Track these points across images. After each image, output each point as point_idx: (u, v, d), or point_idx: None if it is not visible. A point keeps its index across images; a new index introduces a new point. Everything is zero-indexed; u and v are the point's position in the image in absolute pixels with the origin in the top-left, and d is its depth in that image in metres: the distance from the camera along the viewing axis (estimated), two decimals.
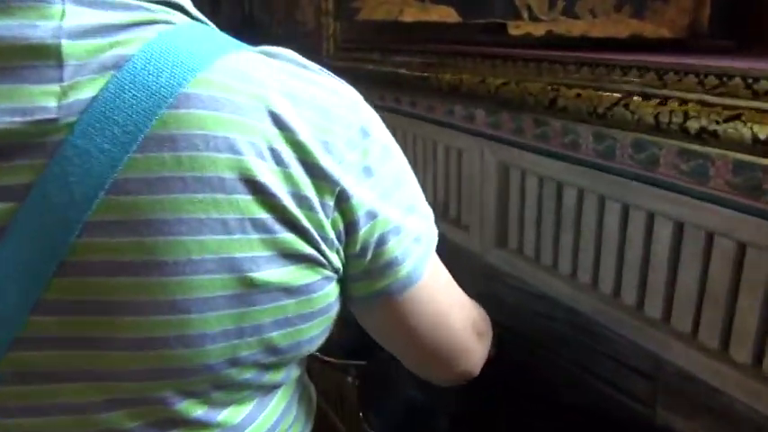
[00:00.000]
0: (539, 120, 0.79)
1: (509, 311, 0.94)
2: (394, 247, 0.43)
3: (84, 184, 0.33)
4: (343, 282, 0.44)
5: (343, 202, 0.39)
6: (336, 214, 0.39)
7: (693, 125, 0.56)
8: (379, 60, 1.15)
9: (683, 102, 0.58)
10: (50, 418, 0.37)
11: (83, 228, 0.33)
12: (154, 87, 0.34)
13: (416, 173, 0.54)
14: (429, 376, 0.56)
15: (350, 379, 1.04)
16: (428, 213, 0.49)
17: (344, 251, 0.41)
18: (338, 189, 0.38)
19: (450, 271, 0.54)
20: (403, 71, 1.05)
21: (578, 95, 0.69)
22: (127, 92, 0.33)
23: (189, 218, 0.34)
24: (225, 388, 0.40)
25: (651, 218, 0.67)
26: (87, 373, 0.36)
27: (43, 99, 0.32)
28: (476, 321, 0.56)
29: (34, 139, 0.32)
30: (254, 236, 0.36)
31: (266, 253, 0.36)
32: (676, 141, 0.60)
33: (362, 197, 0.40)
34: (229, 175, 0.35)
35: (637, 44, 0.74)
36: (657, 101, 0.60)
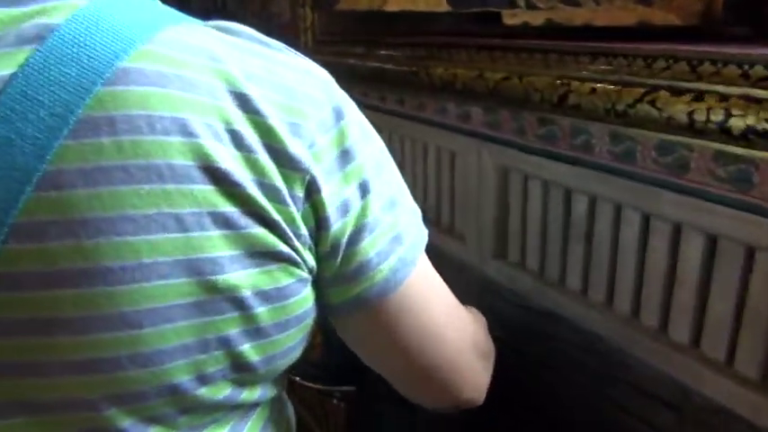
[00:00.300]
0: (544, 118, 0.70)
1: (510, 330, 0.85)
2: (368, 248, 0.38)
3: (8, 180, 0.28)
4: (317, 286, 0.39)
5: (314, 193, 0.34)
6: (307, 206, 0.35)
7: (738, 124, 0.48)
8: (362, 54, 1.05)
9: (724, 97, 0.49)
10: None
11: (8, 232, 0.28)
12: (86, 61, 0.29)
13: (405, 177, 0.47)
14: (425, 401, 0.49)
15: (335, 401, 0.96)
16: (413, 209, 0.43)
17: (316, 250, 0.37)
18: (308, 177, 0.34)
19: (448, 284, 0.48)
20: (389, 66, 0.95)
21: (593, 91, 0.61)
22: (53, 67, 0.29)
23: (135, 214, 0.29)
24: (193, 411, 0.35)
25: (678, 229, 0.59)
26: (25, 406, 0.31)
27: None
28: (478, 341, 0.50)
29: None
30: (216, 232, 0.31)
31: (231, 252, 0.32)
32: (713, 143, 0.51)
33: (335, 188, 0.35)
34: (182, 161, 0.30)
35: (645, 33, 0.66)
36: (691, 96, 0.52)
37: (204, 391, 0.34)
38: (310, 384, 0.92)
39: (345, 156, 0.36)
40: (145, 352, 0.31)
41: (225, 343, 0.34)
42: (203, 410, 0.36)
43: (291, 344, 0.38)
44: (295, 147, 0.33)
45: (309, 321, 0.39)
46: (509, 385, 0.84)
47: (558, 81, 0.65)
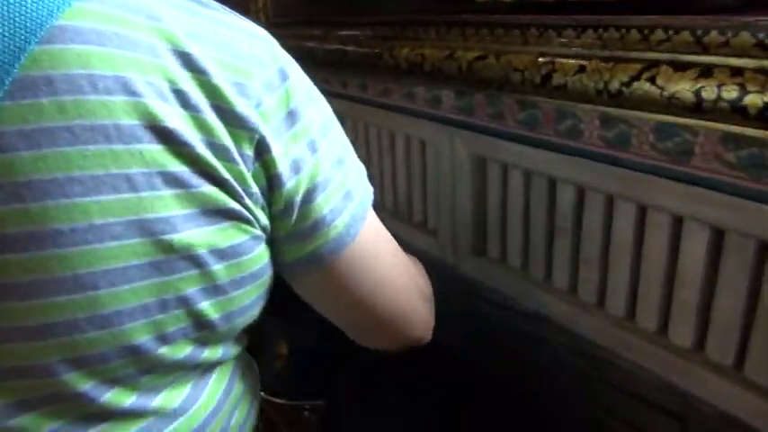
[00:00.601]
0: (525, 101, 0.63)
1: (491, 332, 0.79)
2: (322, 205, 0.38)
3: None
4: (272, 245, 0.39)
5: (263, 152, 0.34)
6: (257, 166, 0.35)
7: (755, 102, 0.41)
8: (320, 36, 0.96)
9: (737, 71, 0.43)
10: None
11: None
12: (18, 19, 0.28)
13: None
14: (379, 345, 0.51)
15: (306, 413, 0.89)
16: (359, 166, 0.43)
17: (270, 209, 0.37)
18: (257, 137, 0.34)
19: None
20: (350, 48, 0.87)
21: (581, 69, 0.54)
22: None
23: (82, 175, 0.29)
24: (154, 371, 0.35)
25: (679, 222, 0.53)
26: None
27: None
28: (421, 284, 0.52)
29: None
30: (167, 192, 0.31)
31: (184, 211, 0.32)
32: (722, 124, 0.45)
33: (285, 147, 0.35)
34: (128, 121, 0.30)
35: (627, 4, 0.59)
36: (697, 71, 0.45)
37: (165, 351, 0.34)
38: (277, 400, 0.84)
39: (292, 116, 0.36)
40: (103, 313, 0.31)
41: (184, 302, 0.34)
42: (165, 370, 0.36)
43: (248, 301, 0.38)
44: (242, 106, 0.33)
45: (266, 279, 0.39)
46: (491, 391, 0.78)
47: (541, 59, 0.58)
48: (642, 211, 0.56)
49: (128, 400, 0.35)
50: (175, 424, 0.38)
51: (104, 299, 0.31)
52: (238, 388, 0.44)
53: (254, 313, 0.39)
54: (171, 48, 0.32)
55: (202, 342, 0.37)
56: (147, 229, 0.31)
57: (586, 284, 0.64)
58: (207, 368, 0.40)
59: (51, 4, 0.29)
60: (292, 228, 0.38)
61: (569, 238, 0.64)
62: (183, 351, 0.36)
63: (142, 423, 0.36)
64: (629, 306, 0.60)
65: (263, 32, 0.38)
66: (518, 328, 0.74)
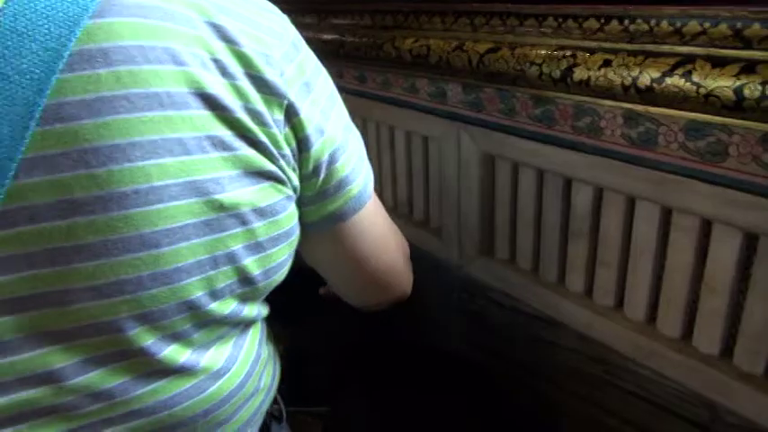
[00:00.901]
0: (539, 97, 0.60)
1: (497, 335, 0.76)
2: (344, 166, 0.41)
3: (11, 116, 0.29)
4: (297, 206, 0.41)
5: (292, 116, 0.37)
6: (288, 130, 0.37)
7: None
8: (314, 25, 0.92)
9: None
10: (17, 396, 0.33)
11: (18, 167, 0.29)
12: None
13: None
14: (368, 302, 0.54)
15: (310, 419, 0.86)
16: (359, 134, 0.46)
17: (299, 171, 0.39)
18: (286, 103, 0.36)
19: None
20: (347, 38, 0.82)
21: (607, 63, 0.50)
22: (39, 2, 0.29)
23: (142, 140, 0.31)
24: (206, 326, 0.37)
25: (707, 226, 0.50)
26: (53, 334, 0.32)
27: None
28: (404, 244, 0.55)
29: None
30: (215, 154, 0.33)
31: (230, 172, 0.34)
32: (763, 125, 0.42)
33: (309, 112, 0.38)
34: (178, 89, 0.32)
35: None
36: (739, 67, 0.42)
37: (215, 306, 0.36)
38: (277, 406, 0.80)
39: (307, 86, 0.38)
40: (164, 270, 0.33)
41: (231, 258, 0.36)
42: (213, 325, 0.38)
43: (282, 259, 0.40)
44: (270, 74, 0.35)
45: (295, 238, 0.41)
46: (497, 395, 0.76)
47: (560, 52, 0.54)
48: (667, 214, 0.53)
49: (182, 357, 0.37)
50: (219, 383, 0.39)
51: (166, 256, 0.33)
52: (265, 351, 0.46)
53: (284, 271, 0.42)
54: (204, 20, 0.33)
55: (243, 299, 0.39)
56: (199, 189, 0.33)
57: (603, 288, 0.61)
58: (244, 327, 0.43)
59: None
60: (320, 188, 0.41)
61: (585, 240, 0.61)
62: (229, 306, 0.37)
63: (193, 381, 0.38)
64: (650, 311, 0.58)
65: (274, 7, 0.39)
66: (527, 330, 0.71)
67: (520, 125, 0.64)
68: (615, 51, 0.50)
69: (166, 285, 0.33)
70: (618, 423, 0.63)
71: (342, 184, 0.42)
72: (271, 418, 0.55)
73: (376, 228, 0.47)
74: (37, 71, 0.29)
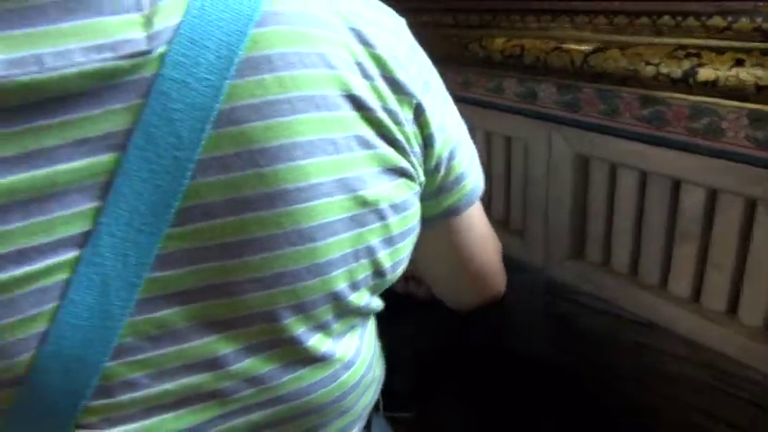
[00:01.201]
0: (648, 98, 0.59)
1: (587, 339, 0.75)
2: (461, 162, 0.43)
3: (189, 120, 0.31)
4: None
5: (419, 114, 0.38)
6: (416, 127, 0.38)
7: None
8: None
9: None
10: (182, 381, 0.35)
11: (195, 168, 0.31)
12: (236, 7, 0.32)
13: None
14: (464, 301, 0.56)
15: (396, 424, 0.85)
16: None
17: (423, 167, 0.40)
18: (415, 102, 0.38)
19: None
20: (428, 36, 0.81)
21: (739, 63, 0.49)
22: (211, 14, 0.31)
23: (302, 140, 0.33)
24: (344, 317, 0.39)
25: None
26: (218, 324, 0.34)
27: (128, 30, 0.29)
28: (499, 243, 0.57)
29: (125, 78, 0.30)
30: (360, 153, 0.35)
31: (372, 169, 0.36)
32: None
33: (432, 110, 0.39)
34: (332, 91, 0.34)
35: None
36: None
37: (354, 298, 0.38)
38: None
39: (427, 84, 0.40)
40: (318, 263, 0.35)
41: (369, 251, 0.37)
42: (349, 316, 0.39)
43: (407, 252, 0.41)
44: (401, 75, 0.37)
45: (417, 232, 0.42)
46: (584, 401, 0.75)
47: (681, 52, 0.53)
48: None
49: (324, 346, 0.38)
50: (349, 372, 0.41)
51: (320, 250, 0.35)
52: (377, 345, 0.48)
53: (406, 265, 0.43)
54: (346, 25, 0.35)
55: (373, 291, 0.40)
56: (348, 186, 0.35)
57: (714, 292, 0.60)
58: (368, 318, 0.45)
59: None
60: (439, 183, 0.42)
61: (695, 243, 0.60)
62: (363, 298, 0.39)
63: (330, 370, 0.40)
64: None
65: (391, 10, 0.41)
66: (620, 334, 0.70)
67: (622, 126, 0.62)
68: (747, 51, 0.49)
69: (319, 277, 0.35)
70: (725, 428, 0.62)
71: (458, 180, 0.44)
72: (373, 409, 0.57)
73: (481, 224, 0.50)
74: (212, 78, 0.31)
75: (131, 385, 0.33)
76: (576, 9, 0.63)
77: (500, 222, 0.84)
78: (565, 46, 0.63)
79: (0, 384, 0.31)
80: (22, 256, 0.29)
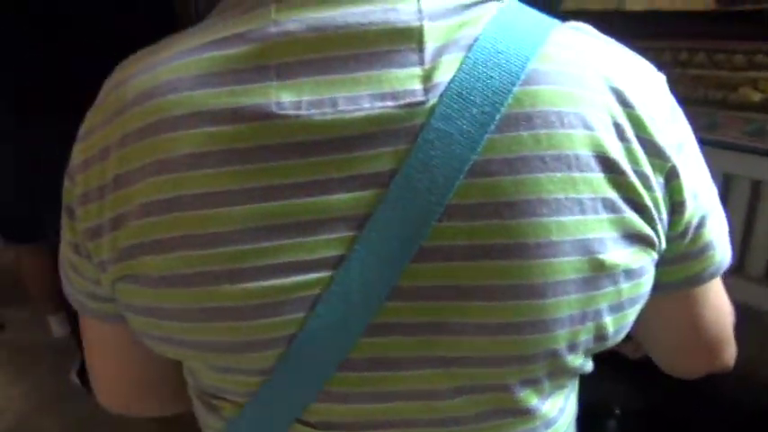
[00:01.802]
0: None
1: None
2: (710, 230, 0.41)
3: (446, 168, 0.33)
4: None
5: (672, 179, 0.37)
6: (665, 192, 0.37)
7: None
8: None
9: None
10: (392, 405, 0.37)
11: (443, 212, 0.33)
12: (505, 65, 0.34)
13: None
14: (688, 370, 0.53)
15: None
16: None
17: (667, 233, 0.39)
18: (669, 166, 0.37)
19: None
20: (681, 76, 0.79)
21: None
22: (480, 71, 0.34)
23: (549, 198, 0.34)
24: (556, 376, 0.39)
25: None
26: (435, 360, 0.36)
27: (409, 83, 0.33)
28: (732, 310, 0.52)
29: (401, 124, 0.33)
30: (605, 216, 0.35)
31: (613, 234, 0.36)
32: None
33: (686, 175, 0.38)
34: (585, 152, 0.34)
35: None
36: None
37: (570, 359, 0.38)
38: None
39: (682, 147, 0.38)
40: (544, 319, 0.35)
41: (597, 315, 0.37)
42: (561, 376, 0.39)
43: (632, 319, 0.40)
44: (659, 137, 0.36)
45: (646, 299, 0.41)
46: None
47: None
48: None
49: (532, 400, 0.39)
50: (549, 431, 0.41)
51: (548, 307, 0.35)
52: (574, 407, 0.48)
53: (628, 330, 0.42)
54: (608, 85, 0.35)
55: (588, 354, 0.40)
56: (587, 248, 0.35)
57: None
58: (575, 379, 0.44)
59: (525, 51, 0.35)
60: (683, 250, 0.41)
61: None
62: (578, 360, 0.39)
63: (531, 425, 0.40)
64: None
65: (651, 66, 0.40)
66: None
67: None
68: None
69: (542, 333, 0.36)
70: None
71: (705, 249, 0.41)
72: None
73: (719, 293, 0.46)
74: (473, 131, 0.33)
75: (346, 396, 0.37)
76: None
77: (759, 277, 0.76)
78: None
79: (249, 372, 0.37)
80: (290, 269, 0.33)
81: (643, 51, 0.66)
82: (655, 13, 0.73)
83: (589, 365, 0.42)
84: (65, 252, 0.41)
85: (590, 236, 0.35)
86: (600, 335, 0.38)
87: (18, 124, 1.39)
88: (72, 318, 1.63)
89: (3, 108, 1.41)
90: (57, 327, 1.80)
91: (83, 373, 1.63)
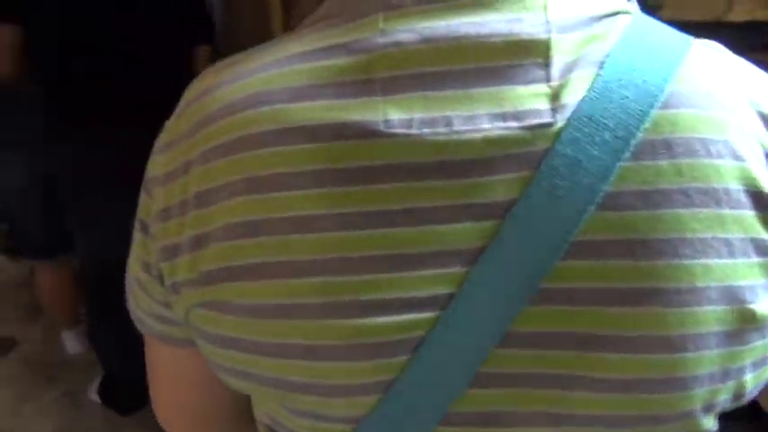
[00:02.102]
0: None
1: None
2: None
3: (572, 198, 0.30)
4: None
5: None
6: None
7: None
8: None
9: None
10: None
11: (567, 249, 0.30)
12: (641, 86, 0.30)
13: None
14: None
15: None
16: None
17: None
18: None
19: None
20: None
21: None
22: (614, 91, 0.30)
23: (693, 238, 0.30)
24: None
25: None
26: (546, 416, 0.32)
27: (534, 102, 0.30)
28: None
29: (523, 148, 0.29)
30: (756, 260, 0.31)
31: (764, 281, 0.31)
32: None
33: None
34: (735, 185, 0.30)
35: None
36: None
37: (703, 421, 0.34)
38: None
39: None
40: (681, 377, 0.32)
41: (739, 373, 0.33)
42: None
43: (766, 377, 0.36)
44: None
45: None
46: None
47: None
48: None
49: None
50: None
51: (687, 363, 0.31)
52: None
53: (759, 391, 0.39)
54: (755, 110, 0.32)
55: (719, 414, 0.36)
56: (735, 296, 0.31)
57: None
58: None
59: (664, 70, 0.31)
60: None
61: None
62: (710, 423, 0.35)
63: None
64: None
65: None
66: None
67: None
68: None
69: (676, 392, 0.32)
70: None
71: None
72: None
73: None
74: (605, 158, 0.30)
75: None
76: None
77: None
78: None
79: (332, 419, 0.33)
80: (392, 306, 0.30)
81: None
82: (756, 23, 0.70)
83: (715, 426, 0.38)
84: (133, 269, 0.38)
85: (740, 282, 0.31)
86: (738, 394, 0.34)
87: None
88: (92, 334, 1.61)
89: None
90: (71, 343, 1.77)
91: (104, 390, 1.59)
